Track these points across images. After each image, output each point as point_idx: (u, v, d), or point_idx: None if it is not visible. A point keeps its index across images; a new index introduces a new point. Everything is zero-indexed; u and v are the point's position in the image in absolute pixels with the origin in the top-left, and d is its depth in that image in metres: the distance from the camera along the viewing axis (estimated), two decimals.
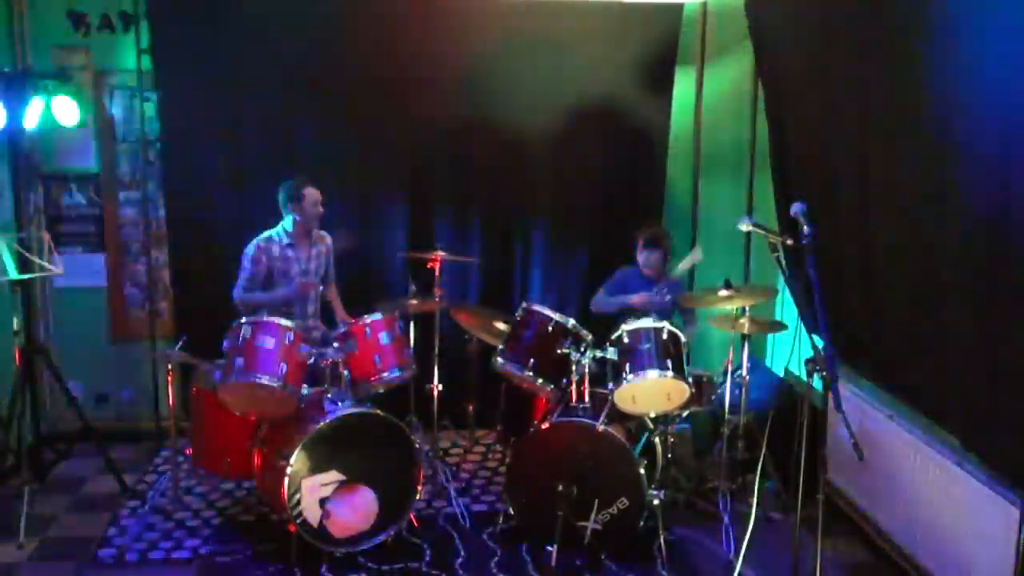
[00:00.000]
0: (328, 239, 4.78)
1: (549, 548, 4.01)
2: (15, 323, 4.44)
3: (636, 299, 4.66)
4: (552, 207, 5.56)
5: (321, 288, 4.71)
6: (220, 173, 5.24)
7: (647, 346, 4.09)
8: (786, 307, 5.30)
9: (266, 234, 4.55)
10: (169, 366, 4.45)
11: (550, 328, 4.27)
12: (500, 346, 4.40)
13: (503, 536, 4.29)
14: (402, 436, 4.10)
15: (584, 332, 4.27)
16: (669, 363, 4.05)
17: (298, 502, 3.90)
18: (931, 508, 3.69)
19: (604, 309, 4.83)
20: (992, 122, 3.05)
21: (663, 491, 4.18)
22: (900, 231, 3.72)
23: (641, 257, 4.80)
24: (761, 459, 4.14)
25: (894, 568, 3.96)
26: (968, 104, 3.18)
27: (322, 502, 3.94)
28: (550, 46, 5.30)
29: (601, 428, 4.00)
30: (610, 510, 4.06)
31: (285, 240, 4.55)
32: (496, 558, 4.12)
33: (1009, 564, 3.17)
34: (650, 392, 4.11)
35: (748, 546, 3.86)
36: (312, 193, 4.52)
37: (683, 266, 4.85)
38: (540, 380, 4.26)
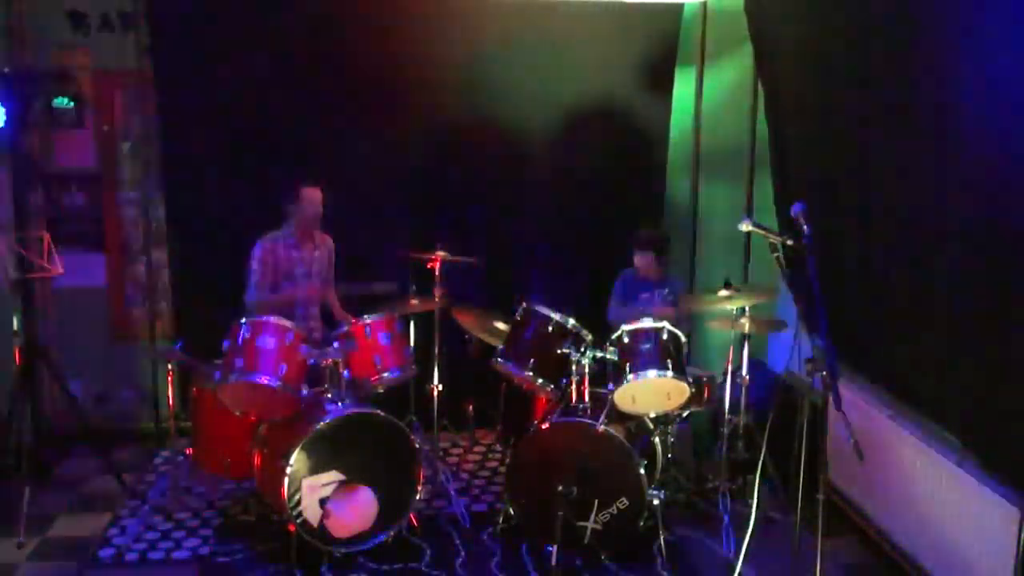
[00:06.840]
0: (330, 242, 4.78)
1: (549, 548, 4.00)
2: (15, 323, 4.44)
3: (656, 315, 4.57)
4: (552, 206, 5.57)
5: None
6: (220, 173, 5.24)
7: (647, 346, 4.09)
8: (786, 307, 5.29)
9: (271, 234, 4.55)
10: (169, 366, 4.45)
11: (550, 328, 4.27)
12: (500, 346, 4.39)
13: (503, 536, 4.29)
14: (402, 436, 4.10)
15: (584, 332, 4.27)
16: (669, 363, 4.05)
17: (298, 502, 3.89)
18: (931, 508, 3.69)
19: (623, 320, 4.76)
20: (992, 122, 3.05)
21: (663, 491, 4.18)
22: (900, 230, 3.72)
23: (635, 260, 4.82)
24: (761, 459, 4.13)
25: (894, 568, 3.96)
26: (968, 103, 3.18)
27: (322, 502, 3.93)
28: (550, 46, 5.31)
29: (601, 428, 4.00)
30: (610, 510, 4.06)
31: (290, 240, 4.55)
32: (496, 558, 4.12)
33: (1009, 564, 3.16)
34: (650, 392, 4.11)
35: (748, 546, 3.86)
36: (309, 193, 4.50)
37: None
38: (540, 380, 4.26)
